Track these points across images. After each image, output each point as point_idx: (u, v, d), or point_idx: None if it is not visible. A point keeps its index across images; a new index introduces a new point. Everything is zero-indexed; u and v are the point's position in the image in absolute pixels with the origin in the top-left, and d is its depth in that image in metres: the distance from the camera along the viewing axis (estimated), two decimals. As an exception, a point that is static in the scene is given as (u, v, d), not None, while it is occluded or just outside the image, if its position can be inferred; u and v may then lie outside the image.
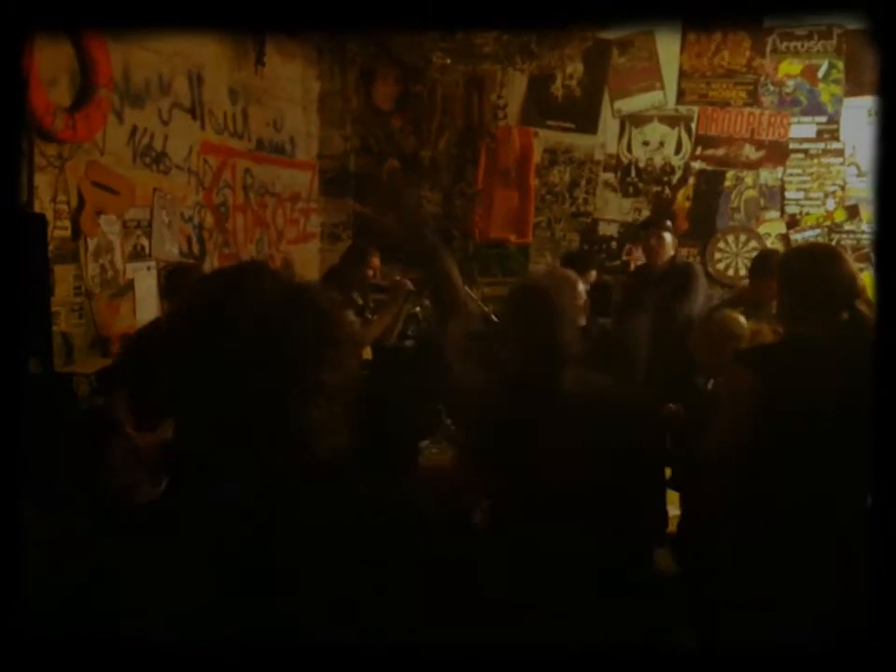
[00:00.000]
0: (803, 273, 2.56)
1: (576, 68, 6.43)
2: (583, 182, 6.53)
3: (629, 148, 6.43)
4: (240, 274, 1.29)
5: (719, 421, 2.56)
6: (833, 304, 2.48)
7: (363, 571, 1.16)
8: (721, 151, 6.30)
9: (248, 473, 1.18)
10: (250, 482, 1.17)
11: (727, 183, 6.31)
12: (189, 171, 5.01)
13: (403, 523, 1.27)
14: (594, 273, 5.21)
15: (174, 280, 4.03)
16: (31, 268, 3.31)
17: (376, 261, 4.98)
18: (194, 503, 1.19)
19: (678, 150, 6.36)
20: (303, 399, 1.19)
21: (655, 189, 6.42)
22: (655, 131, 6.39)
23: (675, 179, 6.39)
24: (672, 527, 3.40)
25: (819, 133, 6.15)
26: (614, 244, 6.54)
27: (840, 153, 6.12)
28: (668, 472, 3.43)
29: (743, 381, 2.47)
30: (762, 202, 6.28)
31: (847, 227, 6.12)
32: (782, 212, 6.26)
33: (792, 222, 6.22)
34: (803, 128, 6.18)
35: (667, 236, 4.82)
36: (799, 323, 2.52)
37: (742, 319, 3.29)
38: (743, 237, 6.27)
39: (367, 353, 4.79)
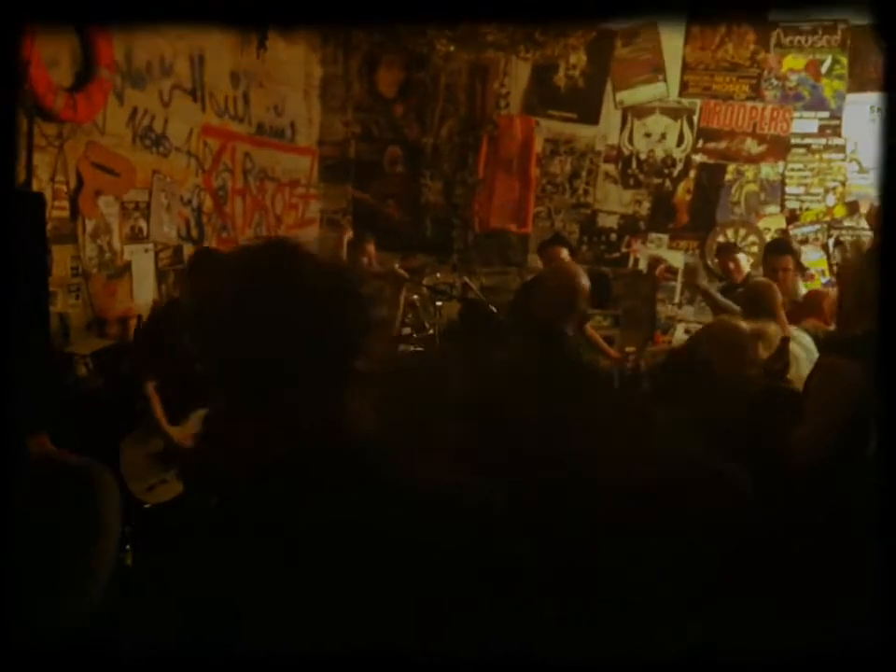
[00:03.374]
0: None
1: (579, 58, 6.41)
2: (584, 173, 6.52)
3: (630, 140, 6.42)
4: (274, 256, 1.23)
5: (812, 415, 2.53)
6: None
7: (396, 563, 1.13)
8: (722, 145, 6.29)
9: (279, 461, 1.16)
10: (280, 469, 1.15)
11: (728, 177, 6.30)
12: (188, 153, 5.00)
13: (442, 509, 1.23)
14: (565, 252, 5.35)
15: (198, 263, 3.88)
16: (29, 247, 3.30)
17: (371, 249, 4.98)
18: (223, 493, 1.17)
19: (679, 143, 6.35)
20: (338, 384, 1.16)
21: (656, 181, 6.42)
22: (657, 123, 6.37)
23: (676, 172, 6.38)
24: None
25: (821, 128, 6.13)
26: (614, 235, 6.53)
27: (842, 149, 6.10)
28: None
29: (844, 371, 2.45)
30: (762, 196, 6.27)
31: (847, 223, 6.12)
32: (782, 207, 6.25)
33: (792, 217, 6.22)
34: (805, 123, 6.16)
35: (742, 257, 5.25)
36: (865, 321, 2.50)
37: (743, 324, 3.24)
38: (742, 231, 6.27)
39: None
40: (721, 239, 6.29)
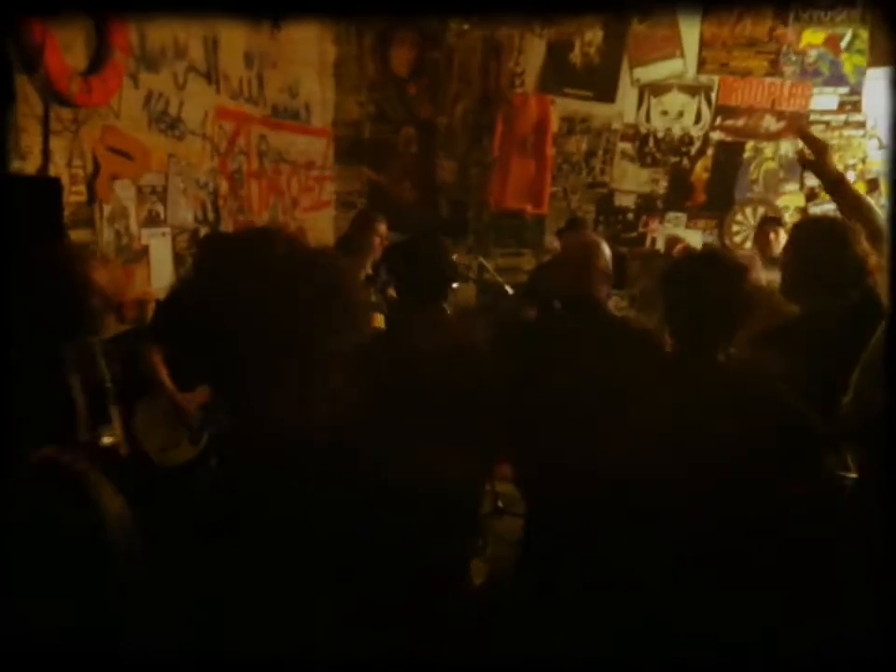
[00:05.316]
0: (816, 247, 2.57)
1: (595, 35, 6.34)
2: (600, 152, 6.47)
3: (647, 118, 6.36)
4: (249, 240, 1.27)
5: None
6: (844, 281, 2.48)
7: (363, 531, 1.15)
8: (740, 122, 6.21)
9: (260, 438, 1.17)
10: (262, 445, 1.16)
11: (746, 154, 6.24)
12: (203, 136, 4.98)
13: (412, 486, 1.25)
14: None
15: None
16: (46, 232, 3.31)
17: (383, 228, 4.94)
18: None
19: (697, 120, 6.28)
20: (310, 365, 1.17)
21: (673, 160, 6.36)
22: (675, 100, 6.30)
23: (693, 150, 6.32)
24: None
25: (841, 104, 6.06)
26: (630, 215, 6.49)
27: (862, 125, 6.03)
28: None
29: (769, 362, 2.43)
30: (781, 174, 6.21)
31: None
32: (801, 184, 6.17)
33: (812, 195, 6.14)
34: (824, 99, 6.09)
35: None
36: (811, 298, 2.50)
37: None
38: (761, 209, 6.21)
39: (379, 321, 4.74)
40: (739, 217, 6.24)
